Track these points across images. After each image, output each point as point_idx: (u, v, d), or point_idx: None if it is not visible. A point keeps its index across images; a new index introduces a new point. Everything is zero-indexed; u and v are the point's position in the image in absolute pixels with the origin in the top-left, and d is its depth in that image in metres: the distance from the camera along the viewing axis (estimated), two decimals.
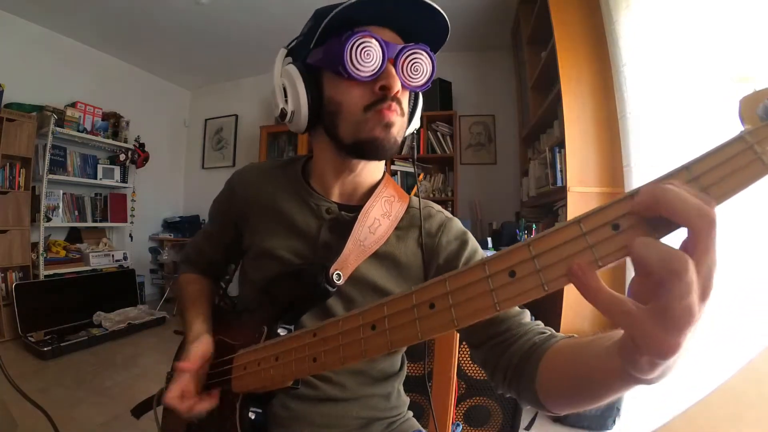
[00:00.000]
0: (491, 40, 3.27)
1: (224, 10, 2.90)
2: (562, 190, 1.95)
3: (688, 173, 0.23)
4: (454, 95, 3.32)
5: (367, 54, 0.48)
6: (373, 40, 0.48)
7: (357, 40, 0.47)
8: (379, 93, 0.50)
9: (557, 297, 1.82)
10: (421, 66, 0.51)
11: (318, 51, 0.52)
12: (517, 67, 3.15)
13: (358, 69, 0.48)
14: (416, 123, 0.60)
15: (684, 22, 1.29)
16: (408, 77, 0.51)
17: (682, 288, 0.21)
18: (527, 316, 0.52)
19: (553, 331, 0.49)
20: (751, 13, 0.99)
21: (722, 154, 0.23)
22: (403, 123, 0.53)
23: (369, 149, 0.51)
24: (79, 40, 3.29)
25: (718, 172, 0.23)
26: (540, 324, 0.51)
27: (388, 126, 0.50)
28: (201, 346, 0.55)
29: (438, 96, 3.19)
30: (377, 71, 0.49)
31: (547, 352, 0.43)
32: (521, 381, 0.45)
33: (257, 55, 3.50)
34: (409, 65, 0.50)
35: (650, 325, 0.22)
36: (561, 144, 1.99)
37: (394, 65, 0.50)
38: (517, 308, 0.52)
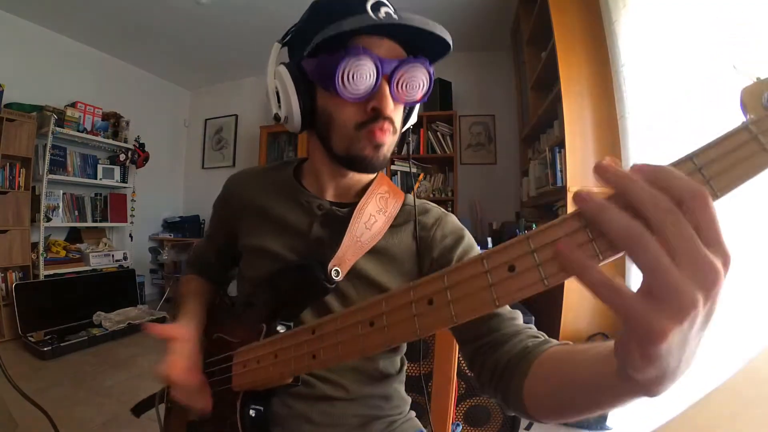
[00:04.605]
0: (491, 40, 3.27)
1: (224, 10, 2.90)
2: (562, 190, 1.95)
3: (692, 164, 0.23)
4: (454, 95, 3.32)
5: (360, 75, 0.46)
6: (367, 60, 0.46)
7: (350, 62, 0.45)
8: (371, 113, 0.49)
9: (557, 299, 1.82)
10: (418, 81, 0.50)
11: (311, 61, 0.51)
12: (517, 67, 3.14)
13: (349, 90, 0.47)
14: (412, 120, 0.60)
15: (682, 21, 1.29)
16: (403, 93, 0.50)
17: (648, 258, 0.21)
18: (520, 318, 0.52)
19: (546, 336, 0.47)
20: (750, 12, 0.99)
21: (726, 144, 0.23)
22: (393, 140, 0.54)
23: (358, 165, 0.53)
24: (79, 40, 3.29)
25: (723, 163, 0.23)
26: (533, 328, 0.49)
27: (379, 146, 0.51)
28: (180, 326, 0.58)
29: (438, 96, 3.19)
30: (370, 91, 0.48)
31: (539, 356, 0.41)
32: (510, 384, 0.43)
33: (257, 55, 3.49)
34: (405, 81, 0.49)
35: (638, 303, 0.22)
36: (561, 144, 1.99)
37: (389, 81, 0.49)
38: (509, 308, 0.52)
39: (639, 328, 0.22)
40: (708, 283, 0.21)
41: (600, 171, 0.24)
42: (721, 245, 0.22)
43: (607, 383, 0.29)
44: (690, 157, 0.23)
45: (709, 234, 0.21)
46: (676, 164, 0.24)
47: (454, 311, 0.29)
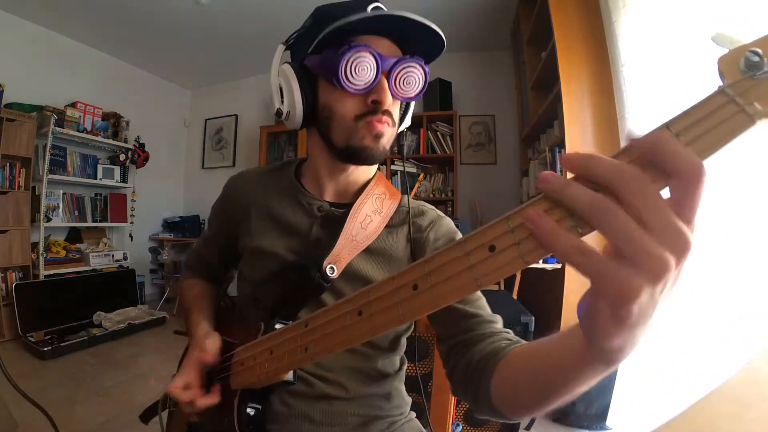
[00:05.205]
0: (491, 40, 3.27)
1: (224, 10, 2.90)
2: None
3: (668, 131, 0.23)
4: (454, 95, 3.32)
5: (362, 68, 0.49)
6: (368, 55, 0.49)
7: (352, 55, 0.48)
8: (371, 105, 0.51)
9: (558, 299, 1.82)
10: (414, 78, 0.53)
11: (315, 58, 0.53)
12: (517, 67, 3.14)
13: (351, 83, 0.49)
14: (406, 123, 0.62)
15: (682, 21, 1.29)
16: (400, 89, 0.53)
17: (617, 226, 0.21)
18: (499, 322, 0.53)
19: (523, 340, 0.48)
20: (750, 12, 0.99)
21: (703, 108, 0.22)
22: (393, 132, 0.56)
23: (358, 156, 0.54)
24: (79, 40, 3.29)
25: (700, 128, 0.22)
26: (510, 332, 0.51)
27: (378, 137, 0.52)
28: (215, 341, 0.56)
29: (438, 96, 3.19)
30: (370, 84, 0.50)
31: (507, 355, 0.43)
32: (480, 384, 0.44)
33: (257, 55, 3.50)
34: (402, 78, 0.52)
35: (610, 263, 0.21)
36: (561, 144, 2.00)
37: (388, 77, 0.51)
38: (489, 311, 0.54)
39: (612, 287, 0.21)
40: (678, 246, 0.21)
41: (566, 160, 0.24)
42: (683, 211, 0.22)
43: (567, 360, 0.30)
44: (666, 125, 0.23)
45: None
46: (652, 133, 0.23)
47: (437, 294, 0.29)
